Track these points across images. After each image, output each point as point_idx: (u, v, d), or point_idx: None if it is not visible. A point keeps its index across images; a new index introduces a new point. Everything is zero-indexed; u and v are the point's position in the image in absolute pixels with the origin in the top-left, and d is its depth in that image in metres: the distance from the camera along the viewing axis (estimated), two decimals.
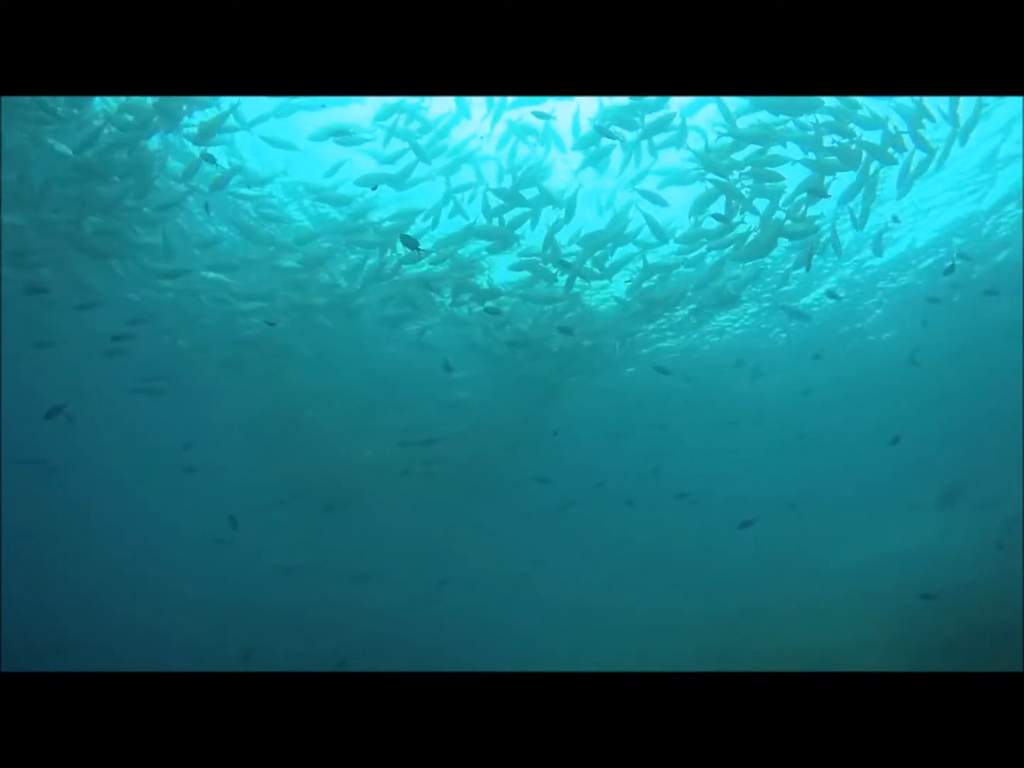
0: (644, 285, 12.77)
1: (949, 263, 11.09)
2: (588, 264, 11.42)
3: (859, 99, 8.45)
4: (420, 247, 8.97)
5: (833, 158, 8.83)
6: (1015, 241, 14.05)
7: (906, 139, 8.98)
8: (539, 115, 8.90)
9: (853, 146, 8.88)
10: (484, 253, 11.97)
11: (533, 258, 11.34)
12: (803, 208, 9.76)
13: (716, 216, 9.49)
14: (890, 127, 8.84)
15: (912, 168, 9.90)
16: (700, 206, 9.91)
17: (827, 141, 8.82)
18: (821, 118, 8.62)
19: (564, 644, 19.78)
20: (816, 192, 8.85)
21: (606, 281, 12.52)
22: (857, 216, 10.14)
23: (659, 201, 9.89)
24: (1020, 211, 12.99)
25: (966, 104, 9.19)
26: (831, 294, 11.44)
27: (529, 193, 9.97)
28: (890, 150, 8.94)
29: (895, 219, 10.76)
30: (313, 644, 20.05)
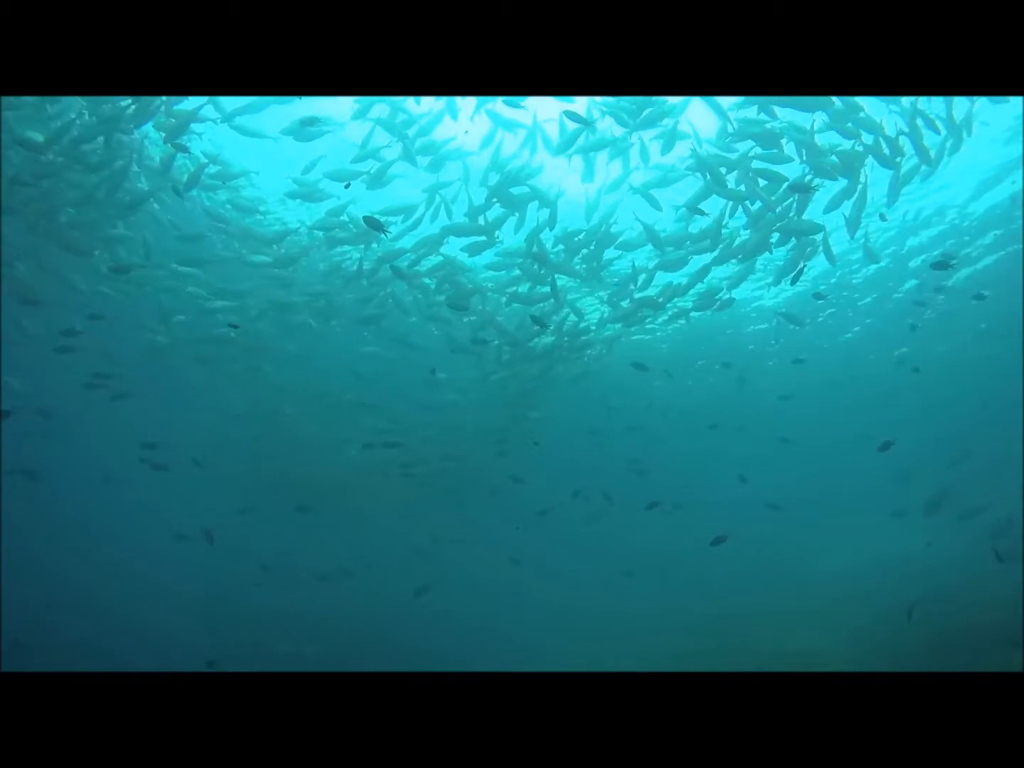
0: (631, 286, 12.73)
1: (940, 260, 11.17)
2: (575, 263, 11.34)
3: (860, 104, 8.46)
4: (386, 229, 8.86)
5: (834, 158, 8.83)
6: (1003, 242, 14.23)
7: (904, 142, 9.02)
8: (509, 103, 8.67)
9: (851, 145, 8.89)
10: (464, 253, 11.83)
11: (513, 258, 11.24)
12: (794, 209, 9.72)
13: (692, 209, 9.33)
14: (889, 132, 8.87)
15: (902, 175, 9.90)
16: (691, 206, 9.83)
17: (824, 144, 8.82)
18: (818, 120, 8.62)
19: (556, 644, 19.81)
20: (802, 189, 8.85)
21: (593, 281, 12.45)
22: (848, 221, 10.14)
23: (653, 202, 9.81)
24: (1007, 210, 13.12)
25: (959, 107, 9.24)
26: (817, 295, 11.45)
27: (514, 191, 9.85)
28: (886, 152, 8.97)
29: (883, 217, 10.83)
30: (299, 644, 19.94)
